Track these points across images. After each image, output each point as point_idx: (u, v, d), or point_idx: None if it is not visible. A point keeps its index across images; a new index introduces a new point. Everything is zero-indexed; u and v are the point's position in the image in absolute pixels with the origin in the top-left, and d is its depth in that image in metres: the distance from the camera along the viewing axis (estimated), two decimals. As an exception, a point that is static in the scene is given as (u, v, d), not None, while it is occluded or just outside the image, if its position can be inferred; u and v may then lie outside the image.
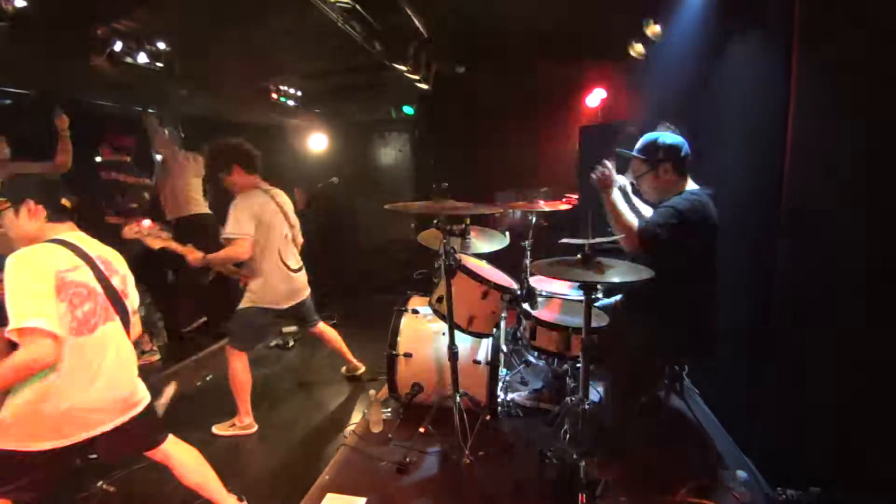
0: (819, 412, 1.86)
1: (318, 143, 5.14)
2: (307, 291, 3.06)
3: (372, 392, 2.86)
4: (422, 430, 2.47)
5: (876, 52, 1.61)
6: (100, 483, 2.22)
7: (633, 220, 2.11)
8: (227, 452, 2.67)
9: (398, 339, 2.84)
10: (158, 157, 4.30)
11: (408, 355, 2.80)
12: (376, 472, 2.43)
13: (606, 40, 3.94)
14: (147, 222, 2.56)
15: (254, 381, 3.36)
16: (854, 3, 1.75)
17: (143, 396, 1.81)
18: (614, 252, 2.08)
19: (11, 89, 3.20)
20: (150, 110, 4.13)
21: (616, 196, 2.17)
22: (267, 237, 2.72)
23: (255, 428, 2.91)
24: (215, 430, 2.87)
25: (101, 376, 1.64)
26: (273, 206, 2.79)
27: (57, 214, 1.68)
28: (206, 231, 4.30)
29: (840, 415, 1.75)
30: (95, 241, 1.75)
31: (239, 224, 2.58)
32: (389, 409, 2.97)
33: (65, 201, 1.71)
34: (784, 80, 2.00)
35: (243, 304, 2.81)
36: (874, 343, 1.60)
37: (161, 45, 3.11)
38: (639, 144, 2.23)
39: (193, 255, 2.60)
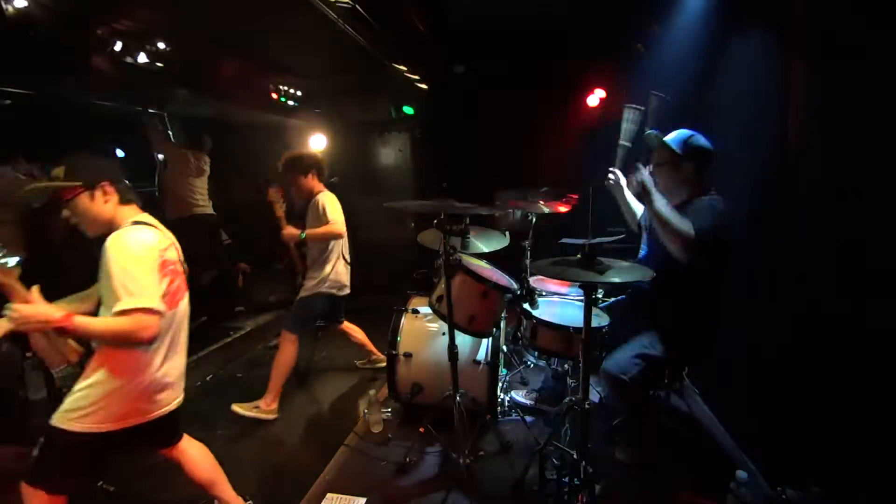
0: (819, 412, 1.86)
1: (318, 143, 5.14)
2: (349, 287, 3.32)
3: (372, 392, 2.86)
4: (422, 430, 2.47)
5: (876, 52, 1.60)
6: (100, 483, 2.22)
7: (685, 226, 1.97)
8: (228, 452, 2.67)
9: (398, 339, 2.84)
10: (162, 159, 4.30)
11: (408, 355, 2.80)
12: (376, 472, 2.43)
13: (606, 40, 3.94)
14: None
15: (253, 382, 3.37)
16: (854, 2, 1.75)
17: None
18: (615, 252, 2.07)
19: (11, 89, 3.19)
20: (151, 110, 4.13)
21: (659, 202, 2.04)
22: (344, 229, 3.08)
23: (276, 415, 3.04)
24: (235, 408, 3.04)
25: (177, 352, 1.74)
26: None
27: (127, 197, 1.69)
28: (207, 231, 4.32)
29: (840, 415, 1.75)
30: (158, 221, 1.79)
31: (336, 212, 3.02)
32: (389, 409, 2.97)
33: (126, 180, 1.73)
34: (784, 80, 2.00)
35: (307, 293, 3.10)
36: (874, 343, 1.59)
37: (161, 45, 3.11)
38: (673, 135, 2.21)
39: (290, 231, 2.99)
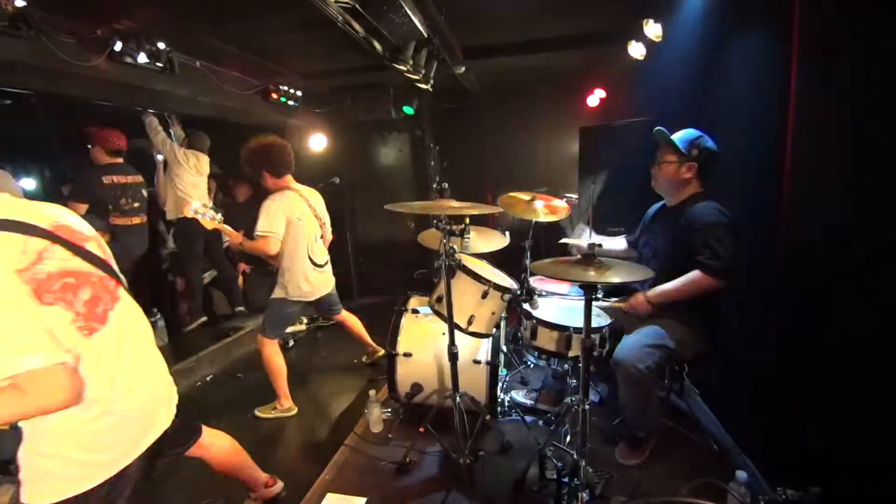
0: (819, 412, 1.86)
1: (318, 143, 5.14)
2: (332, 284, 3.25)
3: (372, 392, 2.86)
4: (422, 430, 2.47)
5: (876, 52, 1.60)
6: None
7: (688, 277, 2.08)
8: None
9: (398, 339, 2.84)
10: (160, 158, 4.30)
11: (407, 355, 2.80)
12: (376, 472, 2.44)
13: (607, 40, 3.94)
14: (197, 204, 2.73)
15: (252, 382, 3.38)
16: (854, 2, 1.75)
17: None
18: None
19: (11, 89, 3.19)
20: (151, 110, 4.13)
21: (666, 292, 2.15)
22: (296, 235, 2.89)
23: (295, 410, 3.11)
24: (257, 412, 3.07)
25: (136, 366, 1.34)
26: (303, 205, 2.95)
27: None
28: (207, 231, 4.31)
29: (840, 415, 1.75)
30: (26, 204, 1.18)
31: (269, 222, 2.75)
32: (389, 409, 2.97)
33: None
34: (784, 80, 2.00)
35: (275, 294, 3.01)
36: (874, 342, 1.59)
37: (161, 45, 3.11)
38: (680, 135, 2.22)
39: (237, 238, 2.79)
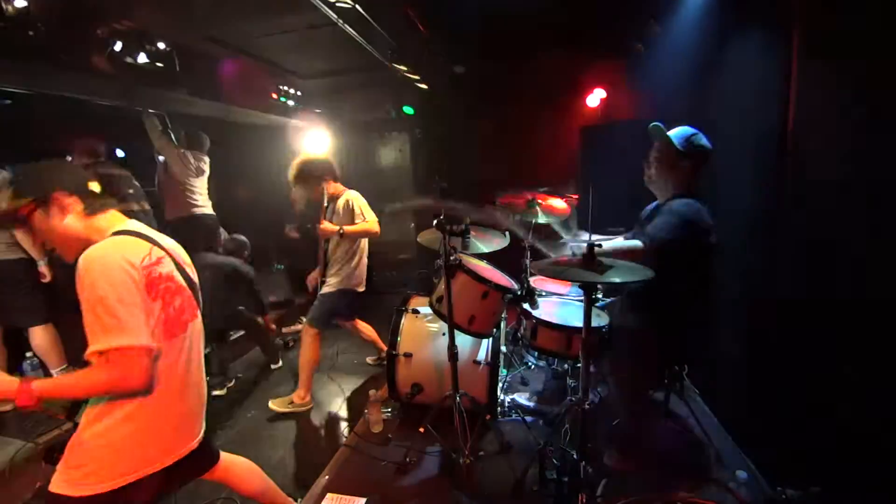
0: (819, 412, 1.86)
1: (318, 143, 5.14)
2: None
3: (372, 392, 2.86)
4: (422, 430, 2.47)
5: (876, 51, 1.60)
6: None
7: (631, 243, 2.08)
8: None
9: (398, 339, 2.84)
10: (162, 159, 4.30)
11: (408, 355, 2.80)
12: (376, 472, 2.43)
13: (607, 40, 3.95)
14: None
15: (251, 382, 3.37)
16: (854, 2, 1.75)
17: None
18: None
19: (12, 89, 3.19)
20: (151, 110, 4.13)
21: (606, 247, 2.03)
22: None
23: (311, 405, 3.17)
24: (272, 404, 3.12)
25: (194, 380, 1.50)
26: None
27: (96, 205, 1.39)
28: (206, 231, 4.31)
29: (840, 415, 1.75)
30: (152, 230, 1.49)
31: (370, 212, 3.11)
32: (389, 409, 2.97)
33: (93, 186, 1.42)
34: (784, 80, 2.00)
35: (329, 289, 3.14)
36: (874, 342, 1.59)
37: (161, 45, 3.11)
38: (676, 131, 2.20)
39: (332, 229, 3.00)
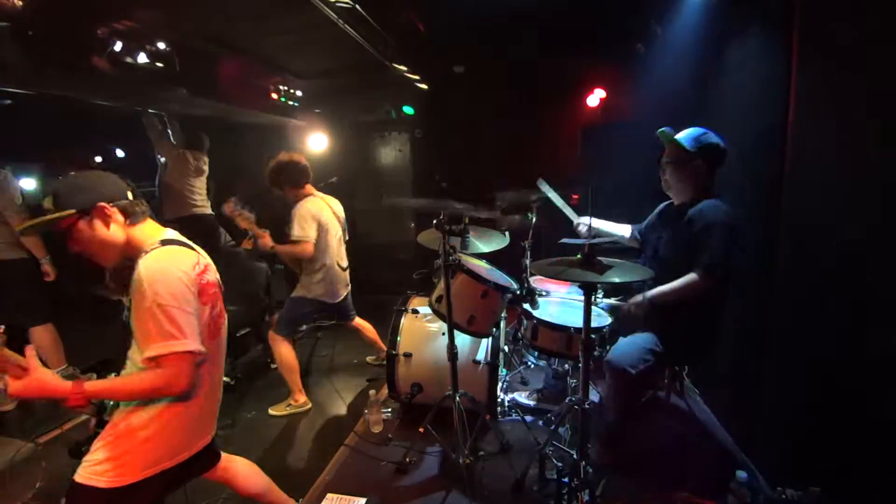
0: (819, 412, 1.86)
1: (318, 143, 5.13)
2: (349, 288, 3.33)
3: (372, 392, 2.86)
4: (421, 430, 2.47)
5: (876, 52, 1.60)
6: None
7: (685, 280, 2.04)
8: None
9: (398, 339, 2.84)
10: (162, 160, 4.30)
11: (408, 355, 2.80)
12: (376, 472, 2.43)
13: (607, 40, 3.94)
14: (234, 201, 2.95)
15: (251, 383, 3.37)
16: (854, 2, 1.75)
17: None
18: (615, 252, 2.07)
19: (11, 89, 3.19)
20: (151, 110, 4.13)
21: (657, 294, 2.10)
22: (325, 238, 3.04)
23: (310, 405, 3.17)
24: (271, 411, 3.12)
25: (220, 379, 1.59)
26: (328, 211, 3.11)
27: (135, 214, 1.43)
28: (205, 231, 4.31)
29: (840, 415, 1.75)
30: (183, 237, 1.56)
31: (303, 228, 2.93)
32: (389, 409, 2.97)
33: (130, 195, 1.46)
34: (784, 80, 2.00)
35: (296, 294, 3.11)
36: (874, 342, 1.59)
37: (161, 45, 3.11)
38: (685, 133, 2.18)
39: (265, 240, 2.96)
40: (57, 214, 1.34)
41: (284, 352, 3.07)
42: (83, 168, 3.60)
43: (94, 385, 1.30)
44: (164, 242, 1.42)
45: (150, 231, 1.46)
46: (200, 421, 1.53)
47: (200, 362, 1.36)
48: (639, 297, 2.19)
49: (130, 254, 1.39)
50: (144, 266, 1.31)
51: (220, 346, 1.56)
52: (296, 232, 2.93)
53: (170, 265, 1.34)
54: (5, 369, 1.28)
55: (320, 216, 3.02)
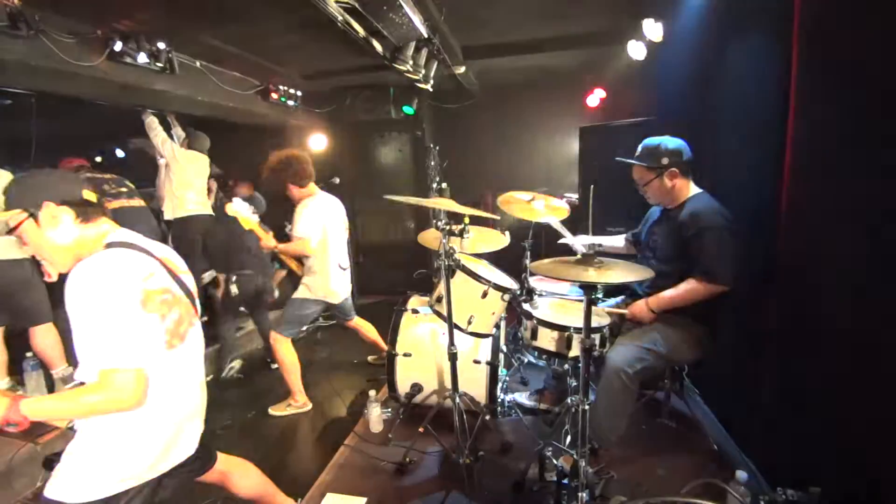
0: (819, 412, 1.86)
1: (318, 143, 5.14)
2: (350, 289, 3.31)
3: (372, 392, 2.86)
4: (421, 430, 2.47)
5: (876, 52, 1.60)
6: None
7: (688, 286, 2.05)
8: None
9: (398, 338, 2.84)
10: (162, 160, 4.30)
11: (407, 355, 2.80)
12: (376, 472, 2.44)
13: (607, 40, 3.94)
14: (238, 201, 2.90)
15: (251, 383, 3.37)
16: (854, 2, 1.75)
17: None
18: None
19: (12, 89, 3.19)
20: (151, 110, 4.13)
21: (666, 299, 2.12)
22: (327, 238, 3.02)
23: (310, 406, 3.17)
24: (271, 410, 3.13)
25: (192, 389, 1.49)
26: (332, 211, 3.10)
27: (86, 212, 1.35)
28: (204, 231, 4.32)
29: (840, 415, 1.75)
30: (144, 238, 1.46)
31: (306, 226, 2.90)
32: (389, 409, 2.97)
33: (87, 194, 1.37)
34: (784, 80, 2.00)
35: (298, 294, 3.08)
36: (874, 342, 1.59)
37: (161, 45, 3.12)
38: (641, 151, 2.21)
39: (268, 241, 2.93)
40: (4, 215, 1.29)
41: (286, 352, 3.05)
42: (81, 166, 3.62)
43: (31, 406, 1.21)
44: (109, 245, 1.32)
45: (99, 233, 1.36)
46: (174, 433, 1.43)
47: (149, 375, 1.27)
48: (641, 304, 2.19)
49: (83, 256, 1.30)
50: (76, 272, 1.22)
51: (185, 356, 1.44)
52: (299, 229, 2.88)
53: (104, 272, 1.23)
54: None
55: (325, 215, 3.01)
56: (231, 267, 3.66)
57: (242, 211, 2.84)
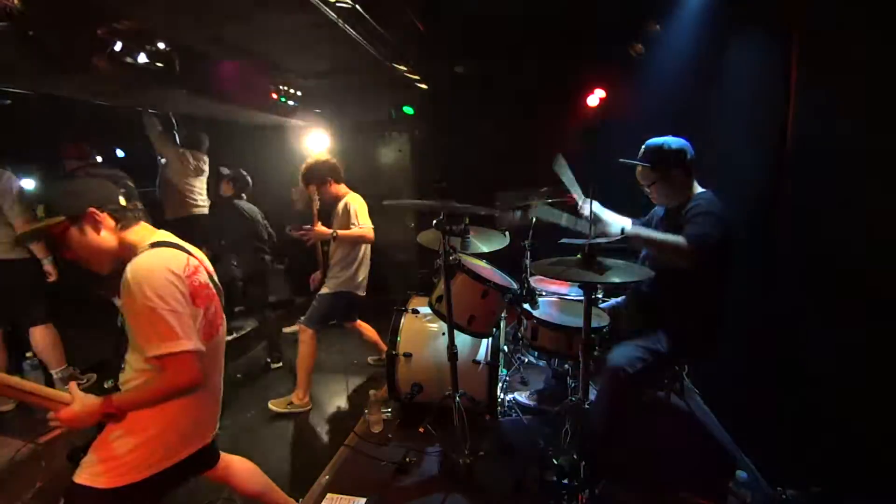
0: (819, 412, 1.86)
1: (318, 143, 5.14)
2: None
3: (372, 392, 2.86)
4: (421, 430, 2.47)
5: (876, 52, 1.60)
6: None
7: (675, 238, 2.00)
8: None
9: (398, 339, 2.84)
10: (162, 160, 4.30)
11: (408, 355, 2.80)
12: (376, 472, 2.43)
13: (607, 40, 3.94)
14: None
15: (251, 383, 3.36)
16: (854, 2, 1.75)
17: None
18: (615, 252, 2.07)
19: (11, 89, 3.19)
20: (151, 110, 4.13)
21: (644, 232, 2.10)
22: None
23: (310, 405, 3.18)
24: (271, 404, 3.15)
25: (218, 381, 1.60)
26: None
27: (127, 217, 1.44)
28: (204, 231, 4.32)
29: (840, 415, 1.75)
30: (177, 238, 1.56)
31: (366, 217, 3.12)
32: (389, 409, 2.97)
33: (121, 199, 1.45)
34: (784, 80, 2.00)
35: (328, 290, 3.16)
36: (874, 343, 1.59)
37: (161, 45, 3.11)
38: (645, 151, 2.20)
39: (324, 231, 3.08)
40: (47, 222, 1.35)
41: (309, 346, 3.13)
42: (87, 160, 3.62)
43: (121, 398, 1.35)
44: (154, 245, 1.42)
45: (142, 234, 1.46)
46: (200, 422, 1.54)
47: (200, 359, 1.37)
48: (616, 227, 2.19)
49: (124, 258, 1.39)
50: (132, 269, 1.31)
51: (218, 349, 1.56)
52: (361, 220, 3.07)
53: (157, 267, 1.33)
54: (49, 406, 1.34)
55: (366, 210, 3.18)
56: (228, 248, 3.86)
57: (315, 197, 3.12)
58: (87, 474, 1.38)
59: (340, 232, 3.04)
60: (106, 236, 1.40)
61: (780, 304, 2.14)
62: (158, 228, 1.53)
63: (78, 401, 1.31)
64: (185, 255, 1.44)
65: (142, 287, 1.28)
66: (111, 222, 1.41)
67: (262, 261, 3.99)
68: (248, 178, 4.02)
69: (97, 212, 1.38)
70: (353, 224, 3.05)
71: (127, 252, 1.40)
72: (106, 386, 1.43)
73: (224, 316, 1.60)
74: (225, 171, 4.11)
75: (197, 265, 1.46)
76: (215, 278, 1.58)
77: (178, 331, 1.30)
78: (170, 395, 1.35)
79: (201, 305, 1.42)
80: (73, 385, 1.35)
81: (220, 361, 1.59)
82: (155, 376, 1.34)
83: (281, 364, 3.91)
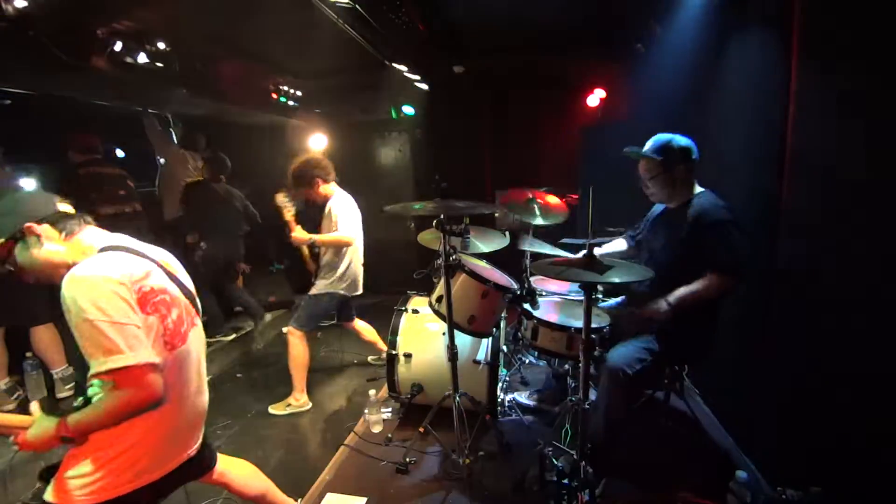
0: (819, 412, 1.86)
1: (318, 143, 5.14)
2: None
3: (372, 392, 2.86)
4: (421, 430, 2.47)
5: (876, 52, 1.60)
6: None
7: (705, 282, 2.01)
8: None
9: (398, 339, 2.84)
10: (162, 160, 4.31)
11: (408, 355, 2.80)
12: (376, 472, 2.44)
13: (607, 40, 3.94)
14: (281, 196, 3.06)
15: (251, 382, 3.36)
16: (854, 2, 1.75)
17: None
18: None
19: (12, 89, 3.20)
20: (151, 110, 4.14)
21: (674, 297, 2.05)
22: (357, 233, 3.17)
23: (310, 405, 3.18)
24: (271, 409, 3.14)
25: (194, 390, 1.49)
26: (356, 208, 3.23)
27: (68, 225, 1.36)
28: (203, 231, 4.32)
29: (840, 415, 1.75)
30: (138, 241, 1.47)
31: (347, 221, 3.05)
32: (389, 409, 2.97)
33: (63, 207, 1.39)
34: (784, 80, 2.00)
35: (318, 291, 3.15)
36: (874, 343, 1.59)
37: (161, 45, 3.11)
38: (652, 145, 2.20)
39: (301, 234, 3.02)
40: None
41: (299, 347, 3.11)
42: (93, 155, 3.61)
43: (76, 420, 1.25)
44: (104, 249, 1.33)
45: (91, 240, 1.37)
46: (172, 438, 1.44)
47: (160, 371, 1.28)
48: (662, 304, 2.10)
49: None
50: (66, 281, 1.21)
51: (187, 358, 1.44)
52: (343, 229, 3.02)
53: (94, 275, 1.22)
54: (10, 432, 1.33)
55: (355, 211, 3.16)
56: (203, 229, 3.92)
57: (286, 204, 3.04)
58: (57, 492, 1.32)
59: (317, 238, 3.03)
60: (51, 247, 1.32)
61: (780, 303, 2.14)
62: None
63: (35, 426, 1.28)
64: (136, 258, 1.35)
65: (76, 300, 1.18)
66: (53, 232, 1.33)
67: (239, 243, 4.16)
68: (227, 161, 4.06)
69: (34, 226, 1.30)
70: (333, 227, 3.03)
71: (78, 261, 1.30)
72: (75, 405, 1.34)
73: (197, 322, 1.52)
74: (202, 153, 4.16)
75: (149, 270, 1.35)
76: (183, 282, 1.49)
77: (121, 344, 1.19)
78: (125, 413, 1.24)
79: (153, 312, 1.31)
80: (35, 407, 1.33)
81: (190, 372, 1.46)
82: (106, 394, 1.23)
83: (267, 319, 4.22)
